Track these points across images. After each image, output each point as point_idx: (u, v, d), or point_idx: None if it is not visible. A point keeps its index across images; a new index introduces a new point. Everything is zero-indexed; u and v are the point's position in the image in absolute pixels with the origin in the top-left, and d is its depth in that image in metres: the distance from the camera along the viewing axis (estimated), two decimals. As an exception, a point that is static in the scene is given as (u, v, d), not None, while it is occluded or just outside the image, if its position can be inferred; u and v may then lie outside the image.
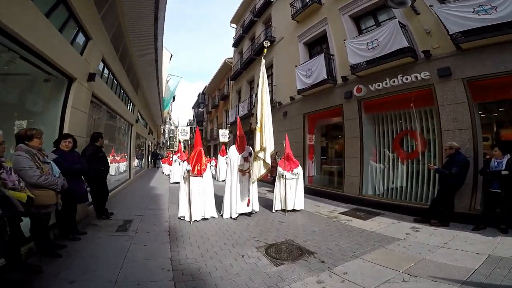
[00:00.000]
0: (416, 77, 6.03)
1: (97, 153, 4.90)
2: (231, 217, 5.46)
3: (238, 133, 5.87)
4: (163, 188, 9.97)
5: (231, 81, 18.61)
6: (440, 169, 4.97)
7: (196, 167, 5.16)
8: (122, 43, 8.23)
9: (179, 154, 11.88)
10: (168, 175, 14.34)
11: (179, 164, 11.42)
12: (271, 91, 11.92)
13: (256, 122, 5.29)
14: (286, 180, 6.15)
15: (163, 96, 21.44)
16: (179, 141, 12.74)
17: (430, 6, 5.84)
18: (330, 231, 4.63)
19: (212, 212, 5.42)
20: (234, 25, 19.04)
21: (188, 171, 5.02)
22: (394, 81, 6.53)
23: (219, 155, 12.77)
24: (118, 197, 7.76)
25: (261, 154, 5.23)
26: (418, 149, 6.37)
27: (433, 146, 6.04)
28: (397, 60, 6.30)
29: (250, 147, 5.59)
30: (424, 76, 5.90)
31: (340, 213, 6.14)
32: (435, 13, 5.58)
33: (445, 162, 4.98)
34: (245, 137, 5.85)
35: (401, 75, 6.32)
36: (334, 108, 8.50)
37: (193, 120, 36.31)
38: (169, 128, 48.87)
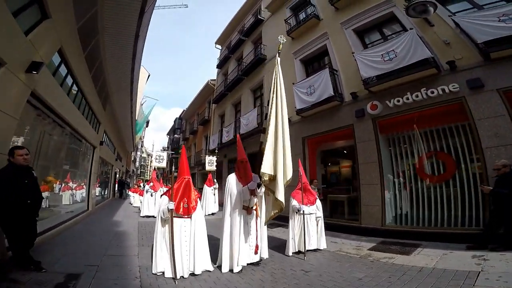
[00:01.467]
0: (443, 90, 5.44)
1: (14, 177, 3.12)
2: (231, 271, 3.77)
3: (239, 157, 4.36)
4: (131, 224, 7.86)
5: (213, 104, 17.48)
6: (499, 190, 4.20)
7: (182, 204, 3.57)
8: (94, 40, 6.70)
9: (151, 184, 9.97)
10: (138, 207, 12.09)
11: (151, 195, 9.60)
12: (259, 114, 10.88)
13: (266, 140, 3.96)
14: (305, 215, 4.79)
15: (136, 119, 19.66)
16: (154, 169, 10.79)
17: (449, 16, 5.61)
18: (380, 277, 3.45)
19: (205, 264, 3.68)
20: (219, 46, 18.41)
21: (170, 210, 3.37)
22: (417, 96, 5.81)
23: (205, 186, 11.01)
24: (66, 236, 5.68)
25: (270, 185, 3.85)
26: (450, 171, 5.60)
27: (466, 166, 5.37)
28: (420, 72, 5.74)
29: (258, 176, 4.07)
30: (453, 88, 5.34)
31: (369, 249, 5.01)
32: (457, 23, 5.32)
33: (497, 182, 4.30)
34: (249, 163, 4.34)
35: (424, 88, 5.70)
36: (342, 129, 7.45)
37: (168, 147, 33.93)
38: (141, 155, 45.42)
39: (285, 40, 5.06)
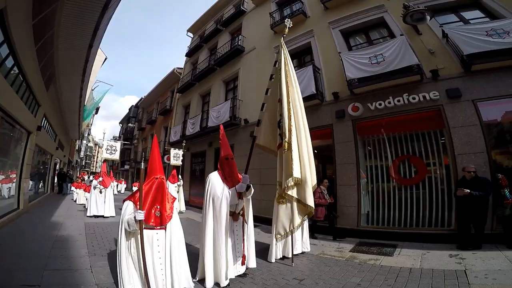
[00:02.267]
0: (424, 97, 5.66)
1: None
2: (218, 286, 3.20)
3: (223, 153, 3.74)
4: (76, 226, 6.60)
5: (178, 94, 16.25)
6: (476, 193, 4.39)
7: (153, 212, 2.84)
8: (50, 8, 5.38)
9: (100, 179, 8.61)
10: (83, 204, 10.47)
11: (101, 192, 8.32)
12: (233, 107, 10.31)
13: (284, 136, 3.36)
14: None
15: (85, 105, 17.34)
16: (104, 161, 9.38)
17: (440, 26, 5.87)
18: (377, 280, 3.40)
19: (184, 281, 3.01)
20: (191, 34, 17.27)
21: (138, 221, 2.65)
22: (399, 100, 5.95)
23: (167, 182, 9.92)
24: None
25: (293, 192, 3.30)
26: (421, 174, 5.81)
27: (438, 170, 5.66)
28: (405, 77, 5.92)
29: (248, 177, 3.51)
30: (434, 96, 5.60)
31: (351, 251, 4.99)
32: (445, 33, 5.60)
33: (469, 185, 4.50)
34: (234, 160, 3.78)
35: (406, 94, 5.88)
36: (321, 129, 7.24)
37: (120, 137, 30.89)
38: (87, 144, 40.50)
39: (291, 25, 4.68)
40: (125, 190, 22.69)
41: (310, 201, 3.30)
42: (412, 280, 3.33)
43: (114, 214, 8.45)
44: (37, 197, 10.56)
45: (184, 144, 10.69)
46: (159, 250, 2.82)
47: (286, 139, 3.24)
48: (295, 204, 3.35)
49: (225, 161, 3.65)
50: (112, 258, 4.07)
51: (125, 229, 2.76)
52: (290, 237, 4.30)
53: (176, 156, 10.41)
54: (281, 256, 4.42)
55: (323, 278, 3.56)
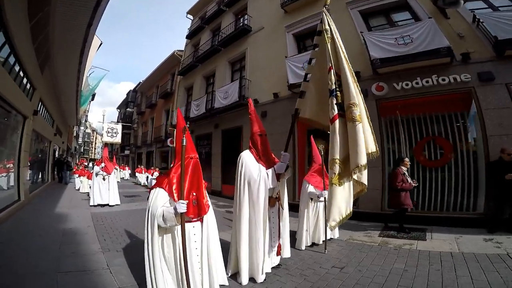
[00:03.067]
0: (455, 78, 5.57)
1: None
2: (253, 281, 2.90)
3: (256, 129, 3.34)
4: (83, 218, 6.24)
5: (179, 77, 15.76)
6: None
7: (190, 200, 2.34)
8: None
9: (103, 165, 8.12)
10: (87, 193, 10.10)
11: (104, 179, 7.94)
12: (241, 87, 9.87)
13: (353, 106, 2.79)
14: (320, 203, 4.38)
15: (81, 90, 16.65)
16: (105, 145, 8.90)
17: (471, 11, 5.81)
18: (423, 265, 3.29)
19: (220, 278, 2.65)
20: (191, 17, 16.59)
21: (178, 215, 2.16)
22: (427, 81, 5.76)
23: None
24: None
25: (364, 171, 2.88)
26: (447, 156, 5.82)
27: (465, 152, 5.64)
28: (434, 59, 5.71)
29: (288, 155, 3.12)
30: (465, 78, 5.52)
31: (380, 236, 4.87)
32: (476, 18, 5.57)
33: (508, 167, 4.40)
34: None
35: (435, 75, 5.75)
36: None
37: (118, 122, 30.14)
38: (84, 131, 39.70)
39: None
40: (129, 176, 22.06)
41: (365, 178, 2.95)
42: (459, 264, 3.23)
43: (119, 202, 8.12)
44: (38, 187, 10.15)
45: (188, 126, 10.18)
46: (196, 246, 2.41)
47: (356, 109, 2.75)
48: (351, 184, 2.96)
49: (258, 137, 3.26)
50: (129, 254, 3.77)
51: (158, 225, 2.25)
52: (321, 222, 4.26)
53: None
54: (311, 243, 4.27)
55: (363, 265, 3.40)
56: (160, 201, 2.30)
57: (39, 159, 11.18)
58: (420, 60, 5.73)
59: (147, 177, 14.33)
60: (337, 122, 2.87)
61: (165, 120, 17.35)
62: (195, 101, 12.39)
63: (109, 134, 7.81)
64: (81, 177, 11.13)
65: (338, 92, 2.92)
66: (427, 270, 3.10)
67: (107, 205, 7.83)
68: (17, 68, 6.50)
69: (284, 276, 3.10)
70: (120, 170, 17.76)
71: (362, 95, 2.99)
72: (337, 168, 2.79)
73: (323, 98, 3.20)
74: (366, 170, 2.85)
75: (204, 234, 2.46)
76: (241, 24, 11.10)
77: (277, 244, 3.15)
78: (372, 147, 2.84)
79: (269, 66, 9.23)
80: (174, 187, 2.32)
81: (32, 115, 7.93)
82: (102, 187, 7.91)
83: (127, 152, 25.03)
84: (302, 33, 8.84)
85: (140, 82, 23.40)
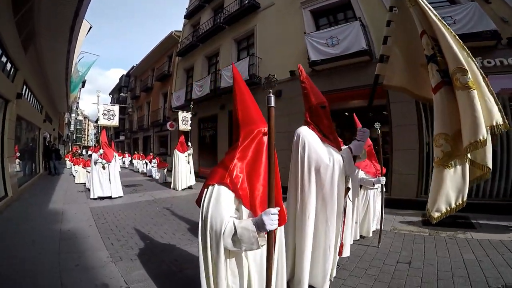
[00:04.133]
0: (501, 61, 5.25)
1: None
2: None
3: (317, 100, 2.47)
4: (82, 215, 5.32)
5: (177, 58, 14.56)
6: None
7: (259, 198, 1.37)
8: None
9: (101, 151, 7.03)
10: (83, 184, 9.11)
11: (104, 168, 6.96)
12: (251, 65, 8.87)
13: (461, 71, 1.96)
14: (370, 190, 3.81)
15: (71, 76, 15.30)
16: (102, 128, 7.75)
17: None
18: (493, 255, 3.05)
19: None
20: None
21: (265, 232, 1.22)
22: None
23: (175, 151, 8.57)
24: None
25: (482, 153, 2.04)
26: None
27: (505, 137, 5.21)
28: (480, 41, 5.30)
29: (368, 131, 2.26)
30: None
31: (425, 225, 4.42)
32: None
33: None
34: None
35: (480, 57, 5.26)
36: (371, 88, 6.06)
37: (98, 130, 28.61)
38: (76, 118, 37.83)
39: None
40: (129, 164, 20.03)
41: (488, 158, 2.09)
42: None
43: (122, 194, 7.21)
44: (28, 180, 9.07)
45: (191, 106, 9.21)
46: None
47: (466, 75, 1.92)
48: (467, 167, 2.10)
49: (320, 110, 2.40)
50: (148, 264, 2.98)
51: (224, 247, 1.28)
52: (371, 212, 3.83)
53: (184, 120, 8.98)
54: (359, 236, 3.76)
55: (430, 257, 3.08)
56: (225, 208, 1.32)
57: (29, 148, 10.03)
58: (465, 42, 4.95)
59: (146, 163, 13.33)
60: (442, 90, 2.08)
61: (163, 103, 16.31)
62: (198, 81, 11.36)
63: (106, 117, 6.73)
64: (76, 166, 10.01)
65: (439, 58, 2.13)
66: (504, 260, 2.88)
67: (109, 197, 6.92)
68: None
69: (349, 278, 2.60)
70: (120, 158, 16.61)
71: (474, 60, 2.17)
72: (445, 146, 2.01)
73: (414, 64, 2.44)
74: (488, 148, 2.06)
75: (278, 241, 1.51)
76: (247, 1, 10.01)
77: (339, 243, 2.39)
78: (498, 118, 2.00)
79: (283, 43, 8.36)
80: (244, 183, 1.39)
81: (15, 98, 6.79)
82: (102, 178, 6.94)
83: (122, 137, 23.85)
84: (320, 9, 8.00)
85: (133, 66, 21.94)
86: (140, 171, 14.63)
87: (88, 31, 17.54)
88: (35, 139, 11.13)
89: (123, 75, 24.73)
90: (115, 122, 7.38)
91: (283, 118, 7.84)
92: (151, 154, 13.19)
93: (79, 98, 34.36)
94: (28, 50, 7.94)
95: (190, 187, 8.54)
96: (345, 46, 6.31)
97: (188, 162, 8.54)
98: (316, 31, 7.59)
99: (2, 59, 6.17)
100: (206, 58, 12.44)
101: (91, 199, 6.76)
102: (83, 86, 32.12)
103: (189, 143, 8.74)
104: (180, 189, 8.26)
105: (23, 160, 9.70)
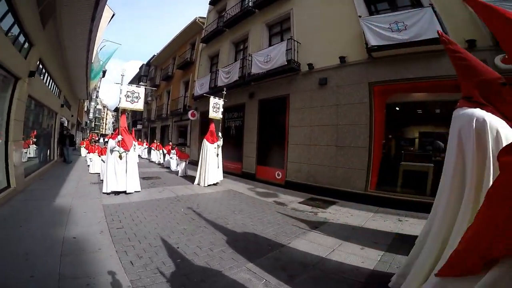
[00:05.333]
0: None
1: None
2: None
3: (488, 76, 1.73)
4: (92, 214, 4.34)
5: (201, 45, 13.52)
6: None
7: None
8: None
9: (120, 138, 5.89)
10: (97, 174, 8.20)
11: (120, 158, 5.97)
12: (289, 50, 7.61)
13: None
14: None
15: (92, 63, 14.53)
16: (122, 112, 6.53)
17: None
18: None
19: None
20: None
21: None
22: None
23: (204, 141, 7.52)
24: None
25: None
26: None
27: None
28: None
29: None
30: None
31: None
32: None
33: None
34: None
35: None
36: (447, 79, 4.94)
37: (118, 113, 28.02)
38: (95, 106, 37.73)
39: None
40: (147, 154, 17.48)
41: None
42: None
43: (139, 189, 6.22)
44: (39, 167, 8.24)
45: (224, 93, 8.09)
46: None
47: None
48: None
49: (501, 88, 1.71)
50: None
51: None
52: None
53: (215, 107, 7.82)
54: None
55: None
56: None
57: (44, 133, 9.24)
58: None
59: (164, 154, 12.30)
60: None
61: (184, 91, 15.37)
62: (225, 68, 10.25)
63: (129, 99, 5.77)
64: (91, 153, 9.11)
65: None
66: None
67: (124, 192, 5.95)
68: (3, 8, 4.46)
69: None
70: (140, 147, 15.49)
71: None
72: None
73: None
74: None
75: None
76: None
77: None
78: None
79: (327, 27, 7.14)
80: None
81: (27, 76, 5.88)
82: (118, 169, 5.95)
83: (139, 126, 23.23)
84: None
85: (154, 55, 21.12)
86: (157, 162, 13.68)
87: (111, 18, 16.72)
88: (51, 124, 10.35)
89: (143, 64, 24.03)
90: (139, 105, 6.35)
91: (329, 109, 6.68)
92: (170, 144, 12.21)
93: (99, 87, 34.10)
94: (47, 26, 7.03)
95: (215, 184, 7.47)
96: (416, 32, 5.19)
97: (217, 155, 7.46)
98: (371, 15, 6.35)
99: (14, 30, 5.27)
100: (233, 44, 11.33)
101: (104, 193, 5.80)
102: (103, 76, 31.82)
103: (219, 133, 7.65)
104: (205, 185, 7.21)
105: (40, 146, 8.95)
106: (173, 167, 10.22)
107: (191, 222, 4.26)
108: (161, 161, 12.92)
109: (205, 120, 12.11)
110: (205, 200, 5.83)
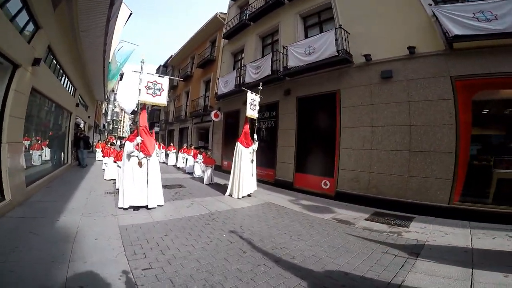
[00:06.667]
0: None
1: None
2: None
3: None
4: (105, 242, 3.01)
5: (223, 41, 12.24)
6: None
7: None
8: None
9: (139, 140, 4.52)
10: (113, 180, 6.89)
11: (141, 165, 4.68)
12: (340, 39, 6.23)
13: None
14: None
15: (109, 62, 13.49)
16: (142, 107, 4.91)
17: None
18: None
19: None
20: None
21: None
22: None
23: (238, 144, 6.08)
24: None
25: None
26: None
27: None
28: None
29: None
30: None
31: None
32: None
33: None
34: None
35: None
36: None
37: (137, 108, 27.06)
38: (113, 109, 37.10)
39: None
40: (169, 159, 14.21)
41: None
42: None
43: (162, 202, 4.87)
44: (51, 172, 6.98)
45: (260, 88, 6.60)
46: None
47: None
48: None
49: None
50: None
51: None
52: None
53: (252, 104, 6.26)
54: None
55: None
56: None
57: (56, 134, 8.03)
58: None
59: (186, 159, 10.91)
60: None
61: (204, 91, 14.05)
62: (253, 62, 8.83)
63: (150, 91, 4.54)
64: (105, 157, 7.79)
65: None
66: None
67: (145, 207, 4.59)
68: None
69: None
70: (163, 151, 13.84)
71: None
72: None
73: None
74: None
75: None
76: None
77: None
78: None
79: (386, 15, 5.80)
80: None
81: (30, 64, 4.61)
82: (137, 178, 4.59)
83: (156, 129, 22.13)
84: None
85: (171, 56, 20.02)
86: (177, 166, 12.17)
87: (128, 18, 15.66)
88: (64, 125, 9.18)
89: (160, 65, 23.00)
90: (162, 99, 4.99)
91: (397, 106, 5.21)
92: (192, 147, 10.79)
93: (116, 90, 33.48)
94: (58, 8, 5.80)
95: (249, 195, 6.04)
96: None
97: (252, 161, 6.03)
98: (437, 4, 5.13)
99: (14, 4, 4.03)
100: (260, 38, 9.91)
101: (119, 208, 4.45)
102: (121, 79, 31.14)
103: (255, 136, 6.19)
104: (239, 197, 5.78)
105: (54, 149, 7.77)
106: (198, 172, 8.86)
107: (243, 256, 2.89)
108: (182, 166, 11.53)
109: (229, 121, 10.75)
110: (247, 219, 4.41)
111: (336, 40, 6.14)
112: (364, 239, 3.59)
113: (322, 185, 6.37)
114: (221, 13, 13.15)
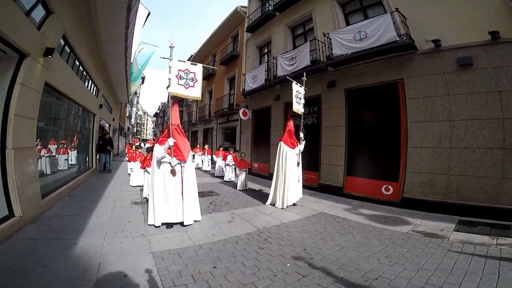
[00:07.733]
0: None
1: None
2: None
3: None
4: (139, 282, 2.01)
5: (246, 35, 11.22)
6: None
7: None
8: None
9: (171, 142, 3.53)
10: (140, 187, 6.01)
11: (174, 174, 3.69)
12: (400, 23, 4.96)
13: None
14: None
15: (131, 63, 12.89)
16: (173, 102, 3.64)
17: None
18: None
19: None
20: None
21: None
22: None
23: (281, 144, 4.92)
24: None
25: None
26: None
27: None
28: None
29: None
30: None
31: None
32: None
33: None
34: None
35: None
36: None
37: (167, 102, 26.61)
38: (137, 112, 37.18)
39: None
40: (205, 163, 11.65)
41: None
42: None
43: (199, 217, 3.89)
44: (74, 178, 6.19)
45: (304, 79, 5.40)
46: None
47: None
48: None
49: None
50: None
51: None
52: None
53: (298, 97, 5.04)
54: None
55: None
56: None
57: (79, 137, 7.29)
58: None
59: (214, 161, 9.72)
60: None
61: (228, 89, 13.02)
62: (285, 54, 7.66)
63: (182, 81, 3.54)
64: (131, 162, 6.93)
65: None
66: None
67: (180, 224, 3.60)
68: None
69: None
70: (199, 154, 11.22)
71: None
72: None
73: None
74: None
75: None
76: None
77: None
78: None
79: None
80: None
81: (41, 55, 3.74)
82: (169, 189, 3.59)
83: (179, 131, 21.55)
84: None
85: (191, 55, 19.28)
86: (203, 169, 10.77)
87: (146, 18, 14.91)
88: (88, 127, 8.48)
89: (179, 68, 22.39)
90: (195, 91, 3.98)
91: (483, 97, 4.00)
92: (220, 148, 9.77)
93: (139, 93, 33.44)
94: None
95: (294, 204, 4.91)
96: None
97: (298, 164, 4.90)
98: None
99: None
100: (289, 29, 8.72)
101: (149, 225, 3.49)
102: (142, 82, 30.96)
103: (301, 134, 5.04)
104: (284, 207, 4.69)
105: (80, 153, 7.05)
106: (229, 176, 7.88)
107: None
108: (209, 169, 10.53)
109: (259, 120, 9.64)
110: (306, 238, 3.33)
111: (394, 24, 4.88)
112: (474, 255, 2.65)
113: (383, 190, 5.13)
114: (241, 6, 12.06)
